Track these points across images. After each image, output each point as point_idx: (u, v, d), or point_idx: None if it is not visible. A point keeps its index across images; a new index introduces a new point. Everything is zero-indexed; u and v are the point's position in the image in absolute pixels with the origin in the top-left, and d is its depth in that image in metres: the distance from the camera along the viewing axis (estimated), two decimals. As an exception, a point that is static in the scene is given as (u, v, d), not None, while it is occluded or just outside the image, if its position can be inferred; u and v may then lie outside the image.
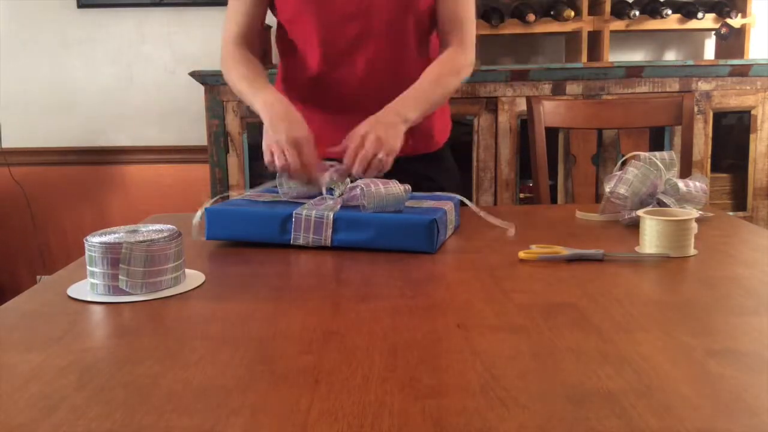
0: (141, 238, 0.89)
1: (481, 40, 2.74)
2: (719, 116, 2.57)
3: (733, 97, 2.39)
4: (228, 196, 1.28)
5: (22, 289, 1.01)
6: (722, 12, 2.54)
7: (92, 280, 0.90)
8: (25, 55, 2.84)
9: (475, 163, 2.43)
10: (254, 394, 0.60)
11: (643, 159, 1.22)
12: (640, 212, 1.07)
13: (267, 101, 1.24)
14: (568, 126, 1.91)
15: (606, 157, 2.41)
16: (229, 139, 2.44)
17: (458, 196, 1.22)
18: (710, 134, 2.41)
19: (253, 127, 2.39)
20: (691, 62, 2.36)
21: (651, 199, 1.21)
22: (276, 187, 1.23)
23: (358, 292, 0.89)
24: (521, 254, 1.03)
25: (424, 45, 1.43)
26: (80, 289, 0.92)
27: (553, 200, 2.23)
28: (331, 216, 1.09)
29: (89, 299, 0.88)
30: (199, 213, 1.18)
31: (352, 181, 1.17)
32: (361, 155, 1.16)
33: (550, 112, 1.87)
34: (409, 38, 1.38)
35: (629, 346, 0.69)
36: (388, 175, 1.18)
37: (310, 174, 1.17)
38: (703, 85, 2.38)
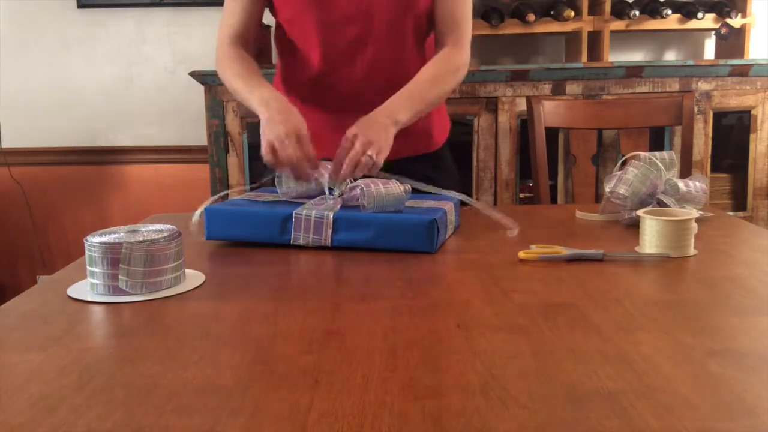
0: (141, 238, 0.89)
1: (481, 40, 2.75)
2: (719, 116, 2.57)
3: (733, 97, 2.39)
4: (227, 195, 1.28)
5: (22, 289, 1.01)
6: (722, 12, 2.54)
7: (92, 280, 0.90)
8: (25, 55, 2.84)
9: (475, 163, 2.43)
10: (254, 394, 0.60)
11: (643, 159, 1.22)
12: (640, 212, 1.07)
13: (263, 98, 1.24)
14: (568, 126, 1.91)
15: (606, 157, 2.41)
16: (229, 139, 2.44)
17: (460, 196, 1.22)
18: (710, 134, 2.41)
19: (253, 127, 2.39)
20: (691, 62, 2.36)
21: (651, 199, 1.21)
22: (274, 186, 1.23)
23: (358, 292, 0.89)
24: (521, 254, 1.03)
25: (422, 46, 1.43)
26: (80, 289, 0.92)
27: (553, 200, 2.23)
28: (331, 216, 1.09)
29: (89, 299, 0.88)
30: (198, 212, 1.18)
31: (352, 181, 1.17)
32: (350, 156, 1.16)
33: (550, 112, 1.87)
34: (408, 39, 1.38)
35: (629, 346, 0.69)
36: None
37: (313, 165, 1.16)
38: (703, 85, 2.38)
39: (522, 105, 2.37)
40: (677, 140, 2.36)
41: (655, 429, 0.53)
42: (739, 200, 2.52)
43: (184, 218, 1.27)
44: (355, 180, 1.16)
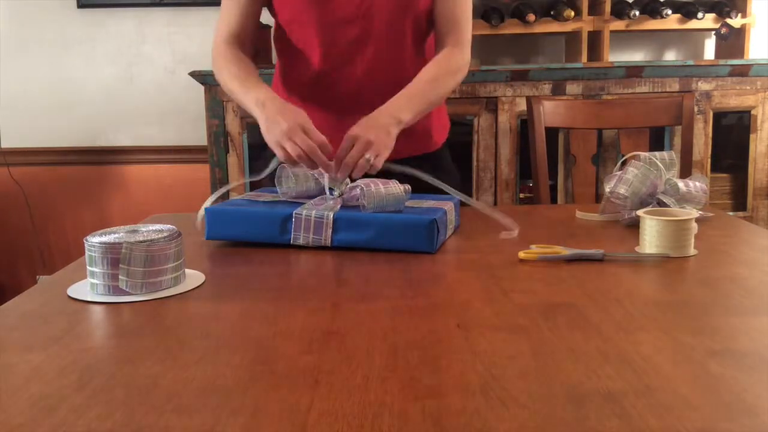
0: (141, 238, 0.89)
1: (481, 40, 2.75)
2: (719, 116, 2.57)
3: (733, 97, 2.39)
4: (228, 193, 1.27)
5: (22, 289, 1.01)
6: (722, 12, 2.54)
7: (92, 280, 0.90)
8: (25, 55, 2.84)
9: (475, 163, 2.43)
10: (254, 394, 0.60)
11: (643, 159, 1.22)
12: (640, 212, 1.07)
13: (259, 100, 1.23)
14: (568, 126, 1.91)
15: (606, 157, 2.41)
16: (229, 139, 2.44)
17: (460, 195, 1.22)
18: (710, 134, 2.41)
19: (253, 127, 2.38)
20: (691, 62, 2.36)
21: (651, 199, 1.21)
22: (274, 186, 1.23)
23: (358, 292, 0.89)
24: (521, 254, 1.03)
25: (422, 46, 1.43)
26: (80, 289, 0.92)
27: (553, 200, 2.23)
28: (331, 216, 1.09)
29: (89, 299, 0.88)
30: (202, 209, 1.17)
31: (351, 181, 1.17)
32: (347, 158, 1.16)
33: (550, 112, 1.87)
34: (408, 40, 1.38)
35: (629, 346, 0.69)
36: (388, 176, 1.19)
37: (326, 150, 1.15)
38: (703, 85, 2.38)
39: (522, 105, 2.37)
40: (677, 140, 2.36)
41: (655, 429, 0.53)
42: (739, 200, 2.52)
43: (184, 218, 1.27)
44: (353, 180, 1.16)
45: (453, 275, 0.97)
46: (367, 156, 1.16)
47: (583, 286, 0.90)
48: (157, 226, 0.96)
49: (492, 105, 2.40)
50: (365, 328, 0.76)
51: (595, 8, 2.56)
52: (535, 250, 1.04)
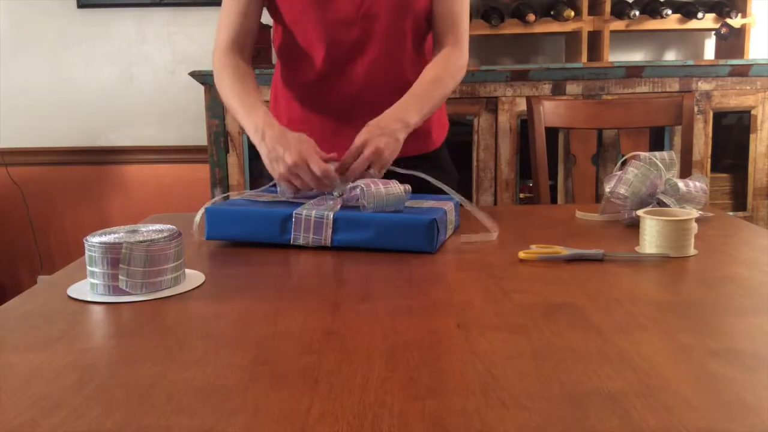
0: (141, 238, 0.89)
1: (481, 40, 2.75)
2: (719, 116, 2.57)
3: (733, 97, 2.39)
4: (228, 196, 1.28)
5: (22, 289, 1.01)
6: (722, 12, 2.54)
7: (92, 280, 0.90)
8: (25, 55, 2.84)
9: (475, 163, 2.43)
10: (254, 394, 0.60)
11: (643, 159, 1.22)
12: (640, 212, 1.07)
13: (258, 127, 1.22)
14: (568, 126, 1.91)
15: (606, 157, 2.41)
16: (229, 139, 2.44)
17: (456, 195, 1.22)
18: (710, 134, 2.41)
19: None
20: (691, 62, 2.36)
21: (651, 199, 1.21)
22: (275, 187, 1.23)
23: (358, 292, 0.89)
24: (521, 254, 1.03)
25: (421, 46, 1.43)
26: (80, 289, 0.92)
27: (553, 200, 2.23)
28: (331, 216, 1.09)
29: (89, 299, 0.88)
30: (198, 216, 1.17)
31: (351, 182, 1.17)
32: (354, 166, 1.16)
33: (550, 112, 1.87)
34: (408, 40, 1.38)
35: (629, 346, 0.69)
36: (388, 176, 1.19)
37: (330, 180, 1.15)
38: (703, 85, 2.38)
39: (522, 105, 2.37)
40: (677, 140, 2.36)
41: (655, 429, 0.53)
42: (739, 200, 2.52)
43: (184, 218, 1.27)
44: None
45: (453, 275, 0.97)
46: (372, 171, 1.17)
47: (583, 286, 0.90)
48: (157, 226, 0.96)
49: (492, 105, 2.40)
50: (365, 328, 0.76)
51: (595, 8, 2.56)
52: (535, 250, 1.04)
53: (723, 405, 0.57)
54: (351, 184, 1.14)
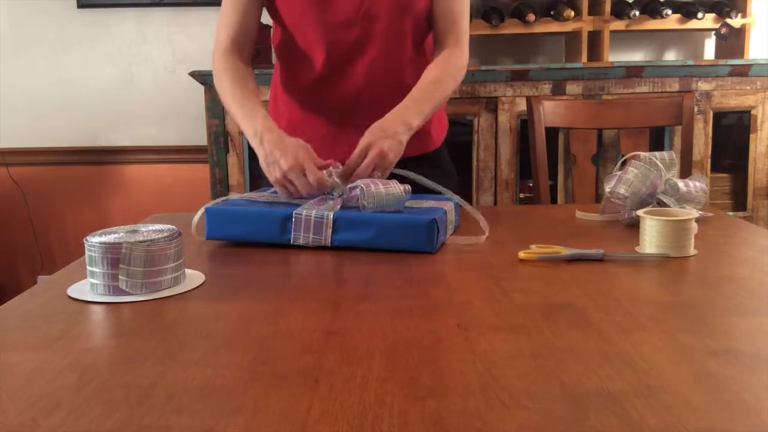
0: (141, 238, 0.89)
1: (481, 40, 2.75)
2: (719, 116, 2.57)
3: (733, 97, 2.39)
4: (228, 198, 1.27)
5: (22, 289, 1.01)
6: (722, 12, 2.54)
7: (92, 280, 0.90)
8: (25, 55, 2.84)
9: (475, 163, 2.43)
10: (254, 394, 0.60)
11: (643, 159, 1.22)
12: (640, 212, 1.07)
13: (256, 131, 1.22)
14: (568, 126, 1.91)
15: (606, 157, 2.41)
16: (229, 139, 2.44)
17: (454, 196, 1.22)
18: (710, 134, 2.41)
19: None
20: (691, 62, 2.36)
21: (651, 199, 1.21)
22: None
23: (358, 292, 0.89)
24: (521, 254, 1.03)
25: (421, 47, 1.43)
26: (80, 289, 0.92)
27: (553, 200, 2.23)
28: (331, 216, 1.09)
29: (89, 299, 0.88)
30: (196, 217, 1.17)
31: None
32: (359, 171, 1.17)
33: (550, 112, 1.87)
34: (408, 40, 1.38)
35: (629, 346, 0.69)
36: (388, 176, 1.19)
37: (324, 188, 1.16)
38: (703, 85, 2.38)
39: (522, 105, 2.37)
40: (677, 140, 2.36)
41: (655, 429, 0.53)
42: (739, 200, 2.52)
43: (184, 218, 1.27)
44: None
45: (453, 275, 0.97)
46: (376, 174, 1.17)
47: (583, 286, 0.90)
48: (157, 226, 0.96)
49: (492, 105, 2.40)
50: (365, 328, 0.76)
51: (595, 8, 2.56)
52: (535, 250, 1.04)
53: (723, 405, 0.57)
54: (351, 184, 1.14)
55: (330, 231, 1.09)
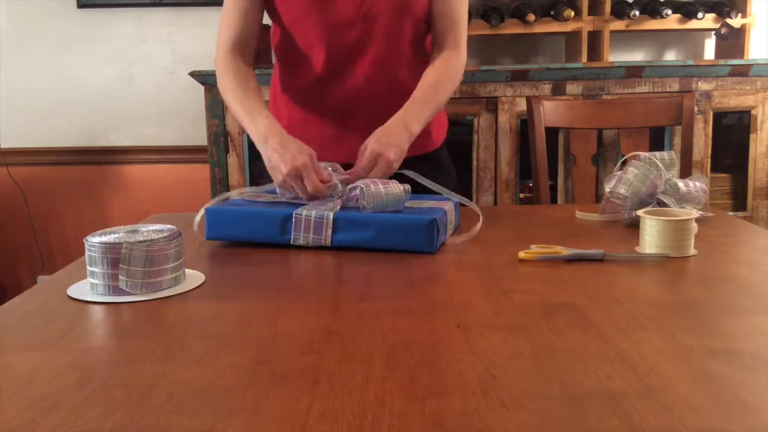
0: (141, 238, 0.89)
1: (481, 40, 2.75)
2: (719, 116, 2.57)
3: (733, 97, 2.39)
4: (228, 197, 1.27)
5: (22, 289, 1.01)
6: (722, 12, 2.54)
7: (92, 280, 0.90)
8: (25, 55, 2.84)
9: (475, 163, 2.43)
10: (254, 394, 0.60)
11: (643, 159, 1.22)
12: (640, 212, 1.07)
13: (260, 134, 1.23)
14: (568, 126, 1.91)
15: (606, 157, 2.41)
16: (229, 139, 2.44)
17: (456, 196, 1.22)
18: (710, 134, 2.41)
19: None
20: (691, 62, 2.36)
21: (651, 199, 1.21)
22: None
23: (358, 292, 0.89)
24: (521, 254, 1.03)
25: (420, 48, 1.43)
26: (80, 289, 0.92)
27: (553, 200, 2.23)
28: (331, 216, 1.09)
29: (89, 299, 0.88)
30: (199, 215, 1.17)
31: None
32: (371, 175, 1.17)
33: (550, 112, 1.87)
34: (407, 41, 1.38)
35: (629, 346, 0.69)
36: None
37: (322, 195, 1.16)
38: (703, 85, 2.38)
39: (522, 105, 2.37)
40: (677, 140, 2.36)
41: (655, 429, 0.53)
42: (739, 200, 2.52)
43: (184, 218, 1.27)
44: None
45: (453, 275, 0.97)
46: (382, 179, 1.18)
47: (583, 286, 0.90)
48: (157, 226, 0.96)
49: (492, 105, 2.40)
50: (365, 328, 0.76)
51: (595, 8, 2.56)
52: (535, 250, 1.04)
53: (723, 405, 0.57)
54: (351, 185, 1.14)
55: (330, 231, 1.09)
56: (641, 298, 0.85)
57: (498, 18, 2.51)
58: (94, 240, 0.89)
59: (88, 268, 0.90)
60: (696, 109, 2.37)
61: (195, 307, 0.85)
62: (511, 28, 2.55)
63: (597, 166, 2.31)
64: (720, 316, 0.78)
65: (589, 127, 1.92)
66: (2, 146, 2.88)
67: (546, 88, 2.38)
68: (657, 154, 1.23)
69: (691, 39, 2.83)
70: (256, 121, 1.25)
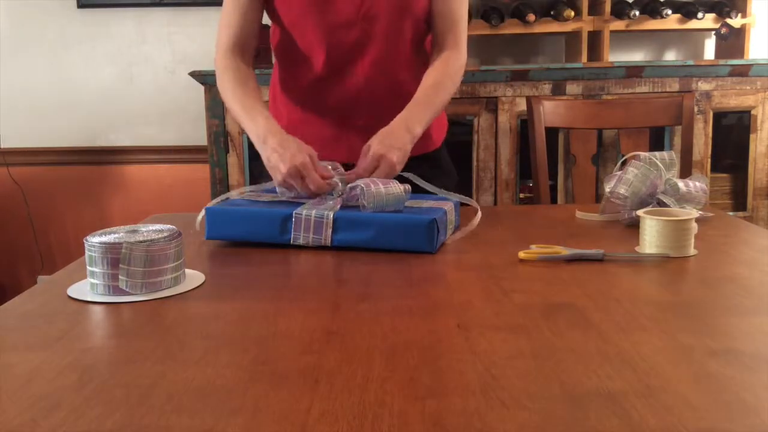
0: (141, 238, 0.89)
1: (481, 40, 2.75)
2: (719, 116, 2.57)
3: (733, 97, 2.39)
4: (228, 197, 1.27)
5: (22, 289, 1.01)
6: (722, 12, 2.54)
7: (92, 280, 0.90)
8: (25, 55, 2.84)
9: (475, 163, 2.43)
10: (254, 394, 0.60)
11: (643, 159, 1.22)
12: (640, 212, 1.07)
13: (260, 133, 1.23)
14: (568, 126, 1.91)
15: (606, 157, 2.41)
16: (229, 139, 2.44)
17: (456, 196, 1.22)
18: (710, 134, 2.41)
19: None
20: (691, 62, 2.36)
21: (651, 199, 1.21)
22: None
23: (358, 292, 0.89)
24: (521, 254, 1.03)
25: (420, 48, 1.43)
26: (80, 289, 0.92)
27: (553, 200, 2.23)
28: (331, 216, 1.09)
29: (89, 299, 0.88)
30: (201, 214, 1.17)
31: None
32: (373, 176, 1.17)
33: (550, 112, 1.87)
34: (407, 42, 1.38)
35: (629, 346, 0.69)
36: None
37: (322, 192, 1.16)
38: (703, 85, 2.38)
39: (522, 105, 2.37)
40: (677, 140, 2.36)
41: (655, 429, 0.53)
42: (739, 200, 2.52)
43: (184, 218, 1.27)
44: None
45: (453, 275, 0.97)
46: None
47: (583, 286, 0.90)
48: (157, 226, 0.96)
49: (492, 105, 2.40)
50: (365, 328, 0.76)
51: (595, 8, 2.56)
52: (535, 250, 1.04)
53: (723, 405, 0.57)
54: (351, 184, 1.14)
55: (330, 231, 1.09)
56: (641, 298, 0.85)
57: (498, 18, 2.51)
58: (94, 240, 0.89)
59: (88, 268, 0.90)
60: (696, 109, 2.37)
61: (195, 307, 0.85)
62: (511, 28, 2.55)
63: (597, 166, 2.31)
64: (720, 316, 0.78)
65: (589, 127, 1.92)
66: (2, 146, 2.88)
67: (546, 88, 2.38)
68: (657, 154, 1.23)
69: (691, 39, 2.83)
70: (255, 120, 1.26)
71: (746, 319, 0.77)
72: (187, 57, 2.83)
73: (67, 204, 2.94)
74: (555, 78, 2.37)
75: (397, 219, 1.07)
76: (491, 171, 2.43)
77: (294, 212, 1.10)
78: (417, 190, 1.23)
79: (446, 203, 1.18)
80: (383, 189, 1.09)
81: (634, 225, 1.16)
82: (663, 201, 1.20)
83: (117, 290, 0.88)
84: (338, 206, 1.12)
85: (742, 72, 2.36)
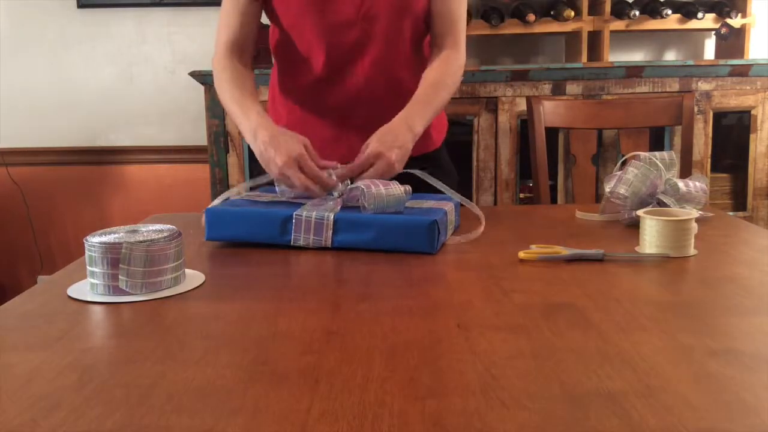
0: (141, 238, 0.89)
1: (481, 40, 2.75)
2: (719, 116, 2.57)
3: (733, 97, 2.39)
4: (228, 198, 1.27)
5: (22, 289, 1.01)
6: (722, 12, 2.54)
7: (92, 280, 0.90)
8: (25, 55, 2.84)
9: (475, 163, 2.43)
10: (254, 394, 0.60)
11: (643, 159, 1.22)
12: (640, 212, 1.07)
13: (252, 128, 1.22)
14: (568, 126, 1.91)
15: (606, 157, 2.41)
16: (229, 139, 2.44)
17: (457, 196, 1.22)
18: (710, 134, 2.41)
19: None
20: (691, 62, 2.36)
21: (651, 199, 1.21)
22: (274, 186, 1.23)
23: (358, 292, 0.89)
24: (521, 254, 1.03)
25: (420, 48, 1.43)
26: (80, 289, 0.92)
27: (553, 200, 2.23)
28: (332, 217, 1.09)
29: (89, 299, 0.88)
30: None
31: (351, 182, 1.17)
32: (368, 175, 1.17)
33: (550, 112, 1.87)
34: (407, 41, 1.38)
35: (629, 346, 0.69)
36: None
37: (323, 184, 1.16)
38: (703, 85, 2.38)
39: (522, 105, 2.37)
40: (677, 140, 2.36)
41: (655, 429, 0.53)
42: (739, 200, 2.52)
43: (184, 218, 1.27)
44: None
45: (453, 275, 0.97)
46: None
47: (583, 286, 0.90)
48: (157, 226, 0.96)
49: (492, 105, 2.40)
50: (365, 328, 0.76)
51: (595, 8, 2.56)
52: (535, 250, 1.04)
53: (723, 405, 0.57)
54: (351, 185, 1.14)
55: (330, 232, 1.09)
56: (641, 298, 0.85)
57: (498, 18, 2.51)
58: (94, 240, 0.89)
59: (88, 268, 0.90)
60: (696, 109, 2.37)
61: (195, 307, 0.85)
62: (511, 28, 2.55)
63: (597, 166, 2.31)
64: (720, 316, 0.79)
65: (589, 127, 1.92)
66: (2, 146, 2.88)
67: (546, 88, 2.38)
68: (657, 154, 1.23)
69: (691, 39, 2.83)
70: (248, 117, 1.25)
71: (746, 319, 0.77)
72: (187, 57, 2.83)
73: (67, 204, 2.94)
74: (555, 78, 2.37)
75: (398, 220, 1.07)
76: (491, 171, 2.43)
77: (294, 213, 1.10)
78: (420, 188, 1.23)
79: (446, 203, 1.18)
80: (384, 190, 1.09)
81: (634, 225, 1.16)
82: (663, 201, 1.20)
83: (117, 290, 0.88)
84: (338, 207, 1.12)
85: (742, 72, 2.36)
